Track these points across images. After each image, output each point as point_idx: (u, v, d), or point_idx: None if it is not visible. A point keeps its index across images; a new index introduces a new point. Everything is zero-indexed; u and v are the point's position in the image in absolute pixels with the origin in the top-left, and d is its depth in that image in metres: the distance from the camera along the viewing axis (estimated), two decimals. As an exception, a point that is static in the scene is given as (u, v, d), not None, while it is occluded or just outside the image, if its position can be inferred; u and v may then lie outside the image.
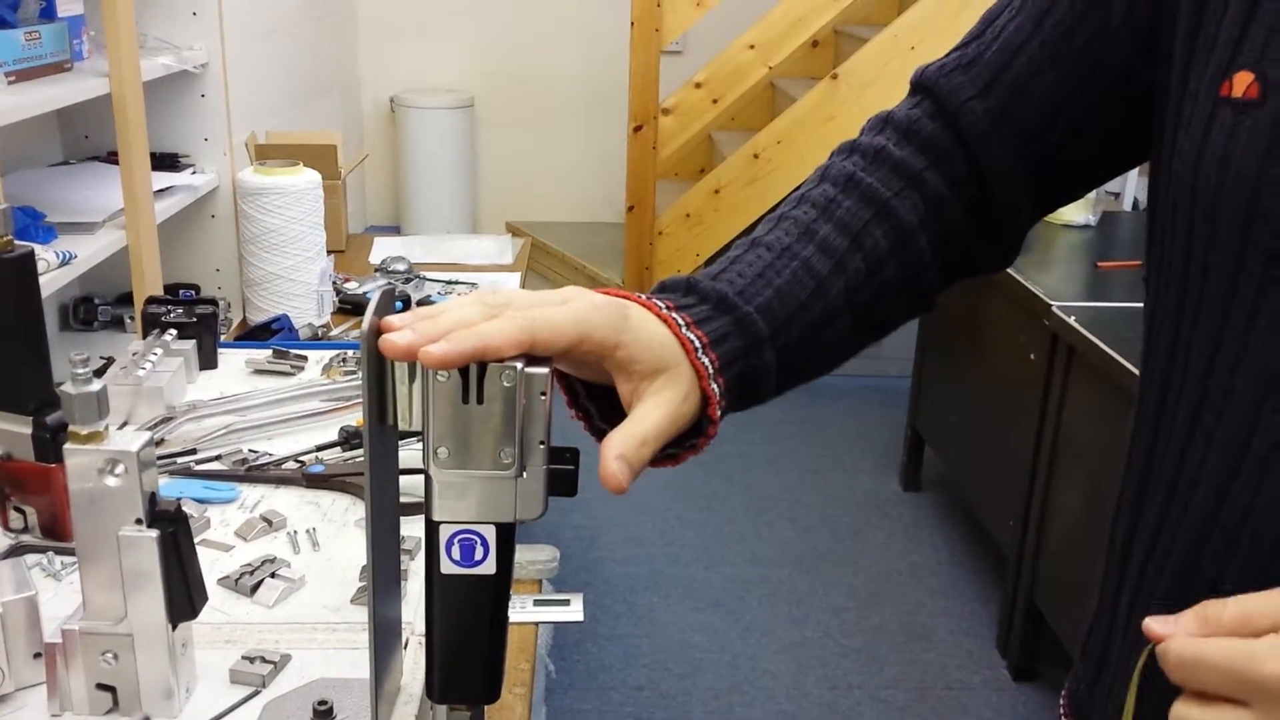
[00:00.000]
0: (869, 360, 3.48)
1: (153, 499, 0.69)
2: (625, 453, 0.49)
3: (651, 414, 0.50)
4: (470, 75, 4.07)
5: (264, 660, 0.77)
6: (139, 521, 0.68)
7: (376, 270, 2.30)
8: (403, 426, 0.64)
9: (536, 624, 1.64)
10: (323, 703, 0.72)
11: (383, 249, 2.55)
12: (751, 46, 3.49)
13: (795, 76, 3.80)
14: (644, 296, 0.55)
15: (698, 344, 0.52)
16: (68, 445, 0.66)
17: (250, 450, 1.12)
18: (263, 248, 2.01)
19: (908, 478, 2.85)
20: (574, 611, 1.36)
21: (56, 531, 0.85)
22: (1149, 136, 0.58)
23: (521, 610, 1.39)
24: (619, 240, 3.52)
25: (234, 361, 1.37)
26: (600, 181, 4.03)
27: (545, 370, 0.54)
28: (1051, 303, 1.92)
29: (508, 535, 0.62)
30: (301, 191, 2.01)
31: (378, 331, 0.51)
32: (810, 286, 0.57)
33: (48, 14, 1.80)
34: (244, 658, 0.78)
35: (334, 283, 2.10)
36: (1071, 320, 1.84)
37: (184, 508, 0.71)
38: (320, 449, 1.13)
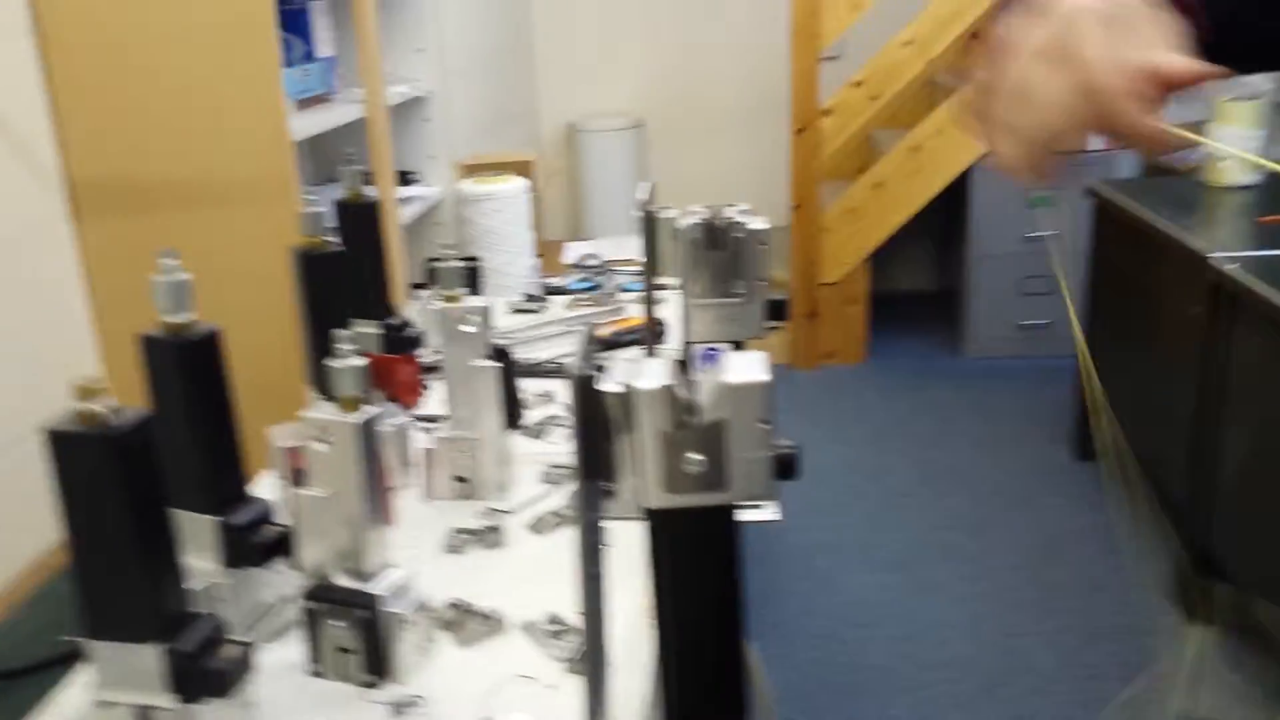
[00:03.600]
0: (1037, 341, 3.45)
1: (490, 342, 0.97)
2: None
3: None
4: (640, 98, 4.40)
5: (562, 470, 1.05)
6: (484, 357, 0.96)
7: (572, 267, 2.62)
8: (666, 275, 0.93)
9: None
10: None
11: (572, 251, 2.88)
12: (909, 43, 3.64)
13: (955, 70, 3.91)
14: None
15: None
16: (441, 304, 0.95)
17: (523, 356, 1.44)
18: (481, 246, 2.36)
19: (1080, 447, 2.89)
20: (770, 511, 1.58)
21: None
22: None
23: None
24: (783, 241, 3.73)
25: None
26: (762, 187, 4.26)
27: (766, 226, 0.84)
28: (1210, 255, 1.96)
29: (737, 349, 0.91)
30: (513, 196, 2.35)
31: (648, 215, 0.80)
32: None
33: (308, 56, 2.20)
34: (549, 466, 1.06)
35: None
36: (1235, 269, 1.89)
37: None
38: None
